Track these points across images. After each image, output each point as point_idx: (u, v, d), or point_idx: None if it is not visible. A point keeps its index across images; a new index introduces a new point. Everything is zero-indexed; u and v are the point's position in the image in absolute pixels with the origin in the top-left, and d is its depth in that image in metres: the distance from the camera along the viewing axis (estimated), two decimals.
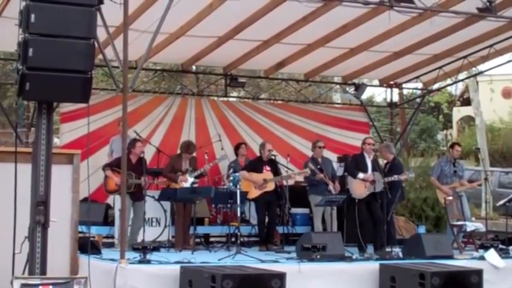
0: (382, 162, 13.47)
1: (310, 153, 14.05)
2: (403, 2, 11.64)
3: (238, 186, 12.37)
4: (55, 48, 7.10)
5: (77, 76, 7.21)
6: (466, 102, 31.32)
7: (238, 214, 12.40)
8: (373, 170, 12.57)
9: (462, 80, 19.59)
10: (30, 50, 6.99)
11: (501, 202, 14.72)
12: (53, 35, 7.09)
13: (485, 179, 15.40)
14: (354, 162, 12.99)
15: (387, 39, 14.00)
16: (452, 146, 14.68)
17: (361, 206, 12.49)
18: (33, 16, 7.00)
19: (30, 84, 7.04)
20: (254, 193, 13.01)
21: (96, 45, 7.65)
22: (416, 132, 33.26)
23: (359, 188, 12.51)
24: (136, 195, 12.26)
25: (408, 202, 16.36)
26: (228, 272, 8.92)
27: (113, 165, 12.30)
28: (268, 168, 13.15)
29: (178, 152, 13.32)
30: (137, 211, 12.26)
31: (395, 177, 13.10)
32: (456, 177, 14.18)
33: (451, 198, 13.64)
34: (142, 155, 12.50)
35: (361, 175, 12.50)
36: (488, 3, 11.88)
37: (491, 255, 11.24)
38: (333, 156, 15.17)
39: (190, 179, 12.89)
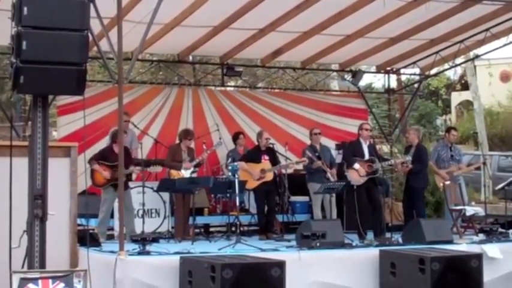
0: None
1: (308, 141, 14.04)
2: None
3: (236, 176, 12.36)
4: (48, 40, 7.10)
5: (71, 68, 7.21)
6: (465, 86, 31.28)
7: (238, 203, 12.40)
8: (370, 155, 12.57)
9: (459, 65, 19.56)
10: (24, 43, 6.99)
11: (500, 186, 14.73)
12: (46, 27, 7.09)
13: (484, 163, 15.39)
14: (350, 149, 12.96)
15: (383, 25, 13.96)
16: (448, 131, 14.77)
17: (360, 192, 12.48)
18: (25, 9, 6.98)
19: (24, 78, 7.04)
20: (253, 183, 13.00)
21: (91, 37, 7.62)
22: (415, 117, 33.20)
23: (356, 175, 12.50)
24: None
25: None
26: (228, 262, 8.92)
27: (98, 158, 12.27)
28: (266, 157, 13.15)
29: (177, 141, 13.32)
30: (125, 202, 12.20)
31: (391, 162, 13.18)
32: (454, 162, 14.25)
33: (448, 182, 13.66)
34: (134, 147, 12.52)
35: (356, 165, 12.48)
36: None
37: (492, 250, 11.15)
38: (331, 144, 15.18)
39: (192, 168, 12.93)
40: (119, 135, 9.95)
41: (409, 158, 13.19)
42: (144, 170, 12.78)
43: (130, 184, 12.52)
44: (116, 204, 11.91)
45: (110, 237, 12.32)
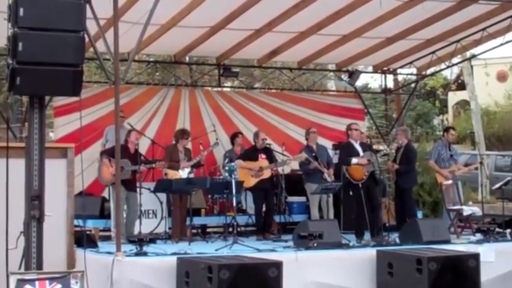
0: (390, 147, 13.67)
1: (305, 142, 14.02)
2: None
3: (233, 176, 12.35)
4: (45, 41, 7.07)
5: (67, 69, 7.19)
6: (462, 86, 31.33)
7: (235, 204, 12.40)
8: (364, 151, 12.55)
9: (456, 65, 19.56)
10: (20, 44, 6.96)
11: (497, 185, 14.77)
12: (42, 28, 7.06)
13: (481, 163, 15.42)
14: (345, 152, 12.91)
15: (380, 25, 13.97)
16: (447, 130, 14.78)
17: (360, 191, 12.41)
18: (21, 10, 6.96)
19: (20, 79, 7.02)
20: (251, 181, 13.00)
21: (87, 38, 7.61)
22: (412, 117, 33.25)
23: (357, 173, 12.44)
24: (131, 185, 12.23)
25: None
26: (225, 262, 8.91)
27: (110, 154, 12.26)
28: (263, 156, 13.15)
29: (174, 141, 13.30)
30: (131, 203, 12.23)
31: (387, 150, 13.23)
32: (453, 161, 14.25)
33: (450, 182, 13.68)
34: (137, 147, 12.52)
35: (354, 160, 12.46)
36: None
37: (485, 253, 11.11)
38: (328, 144, 15.17)
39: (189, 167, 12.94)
40: (116, 136, 9.92)
41: (401, 140, 13.26)
42: (151, 167, 12.79)
43: None
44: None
45: (107, 238, 12.31)
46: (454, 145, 15.00)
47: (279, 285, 8.93)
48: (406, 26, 14.27)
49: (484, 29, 14.50)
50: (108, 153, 12.39)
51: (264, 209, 13.11)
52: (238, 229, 12.74)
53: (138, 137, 12.82)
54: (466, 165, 15.91)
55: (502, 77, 36.26)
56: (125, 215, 12.10)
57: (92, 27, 8.92)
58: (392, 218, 13.92)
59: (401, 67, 17.36)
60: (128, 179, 12.09)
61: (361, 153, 12.57)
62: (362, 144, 12.76)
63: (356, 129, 12.78)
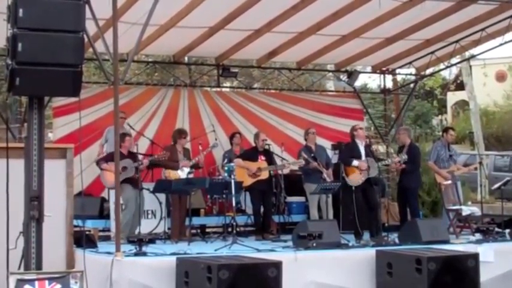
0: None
1: (304, 142, 14.03)
2: None
3: (232, 176, 12.36)
4: (44, 42, 7.08)
5: (66, 70, 7.19)
6: (460, 86, 31.37)
7: (234, 204, 12.40)
8: (367, 156, 12.56)
9: (455, 65, 19.60)
10: (19, 45, 6.97)
11: (496, 186, 14.78)
12: (41, 29, 7.07)
13: (480, 163, 15.44)
14: (347, 151, 12.94)
15: (379, 26, 13.97)
16: (446, 131, 14.78)
17: (357, 193, 12.46)
18: (21, 11, 6.98)
19: (20, 80, 7.03)
20: (248, 181, 13.01)
21: (86, 38, 7.62)
22: (411, 118, 33.28)
23: (354, 176, 12.47)
24: (137, 182, 12.27)
25: None
26: (224, 262, 8.91)
27: (107, 159, 12.28)
28: (263, 158, 13.16)
29: (172, 142, 13.30)
30: (139, 202, 12.24)
31: (389, 161, 13.19)
32: (452, 161, 14.26)
33: (449, 182, 13.69)
34: (135, 150, 12.52)
35: (355, 162, 12.47)
36: None
37: (484, 253, 11.10)
38: (327, 144, 15.19)
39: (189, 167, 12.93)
40: (115, 137, 9.93)
41: (405, 156, 13.20)
42: (154, 158, 12.78)
43: None
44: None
45: (107, 238, 12.31)
46: (453, 145, 15.02)
47: (278, 285, 8.93)
48: (405, 26, 14.28)
49: (483, 29, 14.51)
50: (104, 159, 12.43)
51: (262, 209, 13.12)
52: (238, 229, 12.73)
53: (131, 141, 12.83)
54: (465, 165, 15.92)
55: (500, 77, 36.31)
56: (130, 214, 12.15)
57: (91, 27, 8.93)
58: (391, 218, 13.92)
59: (400, 67, 17.36)
60: (132, 177, 12.12)
61: (363, 156, 12.57)
62: (367, 147, 12.73)
63: (361, 129, 12.83)
